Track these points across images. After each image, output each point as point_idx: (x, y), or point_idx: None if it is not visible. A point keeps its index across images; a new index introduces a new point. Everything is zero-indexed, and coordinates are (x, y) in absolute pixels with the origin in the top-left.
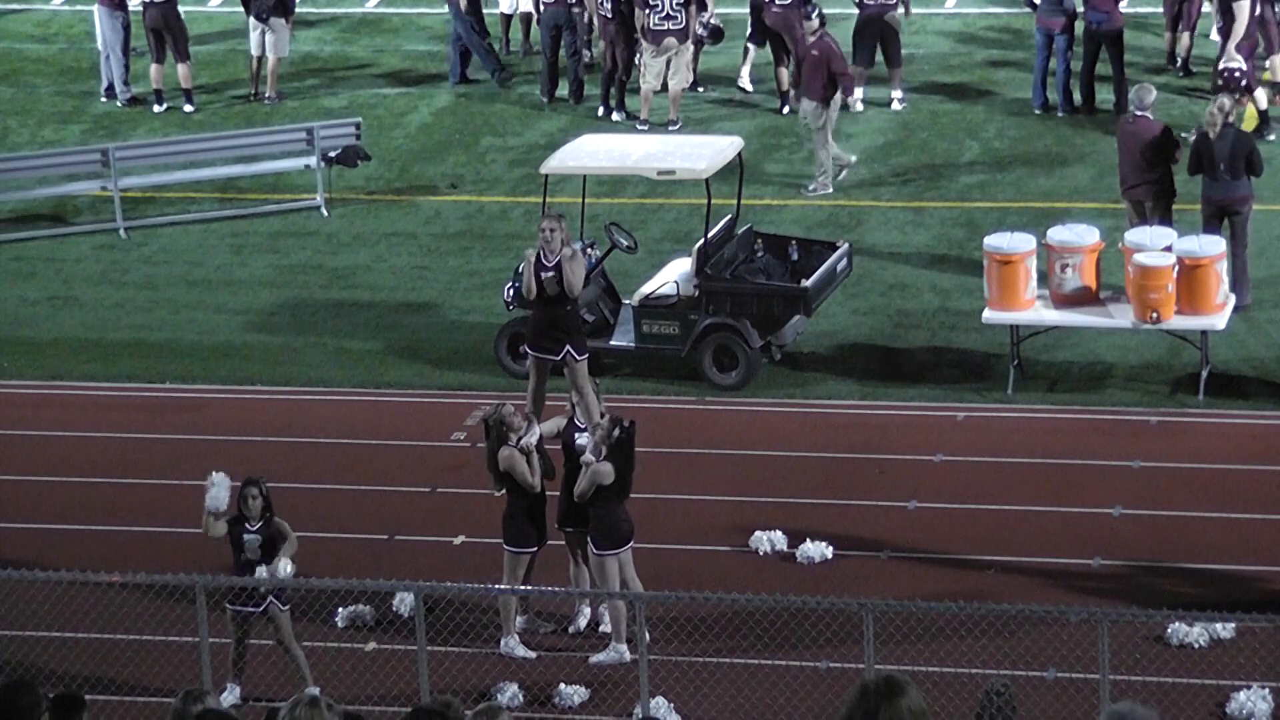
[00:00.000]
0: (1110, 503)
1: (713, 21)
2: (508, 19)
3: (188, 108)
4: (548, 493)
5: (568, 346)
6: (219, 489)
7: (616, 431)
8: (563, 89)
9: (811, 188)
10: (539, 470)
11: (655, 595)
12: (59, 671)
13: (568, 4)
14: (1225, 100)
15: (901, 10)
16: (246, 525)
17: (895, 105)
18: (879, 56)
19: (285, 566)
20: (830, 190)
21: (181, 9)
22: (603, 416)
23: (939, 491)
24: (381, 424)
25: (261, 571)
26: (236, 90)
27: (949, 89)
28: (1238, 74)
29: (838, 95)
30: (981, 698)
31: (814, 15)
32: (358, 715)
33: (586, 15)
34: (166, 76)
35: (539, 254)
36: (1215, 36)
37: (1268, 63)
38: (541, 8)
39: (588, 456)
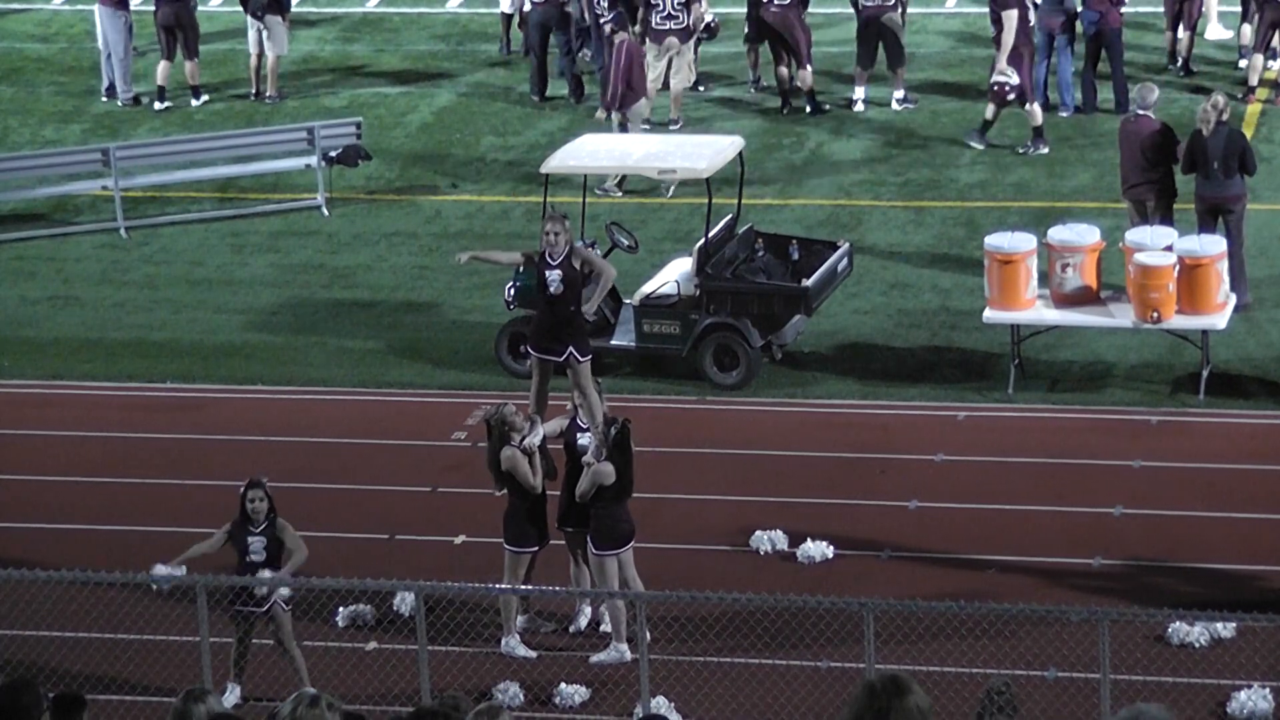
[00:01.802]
0: (1110, 502)
1: (707, 17)
2: (508, 19)
3: (194, 102)
4: (548, 492)
5: (570, 347)
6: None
7: (612, 430)
8: (561, 88)
9: (666, 192)
10: (540, 471)
11: (656, 595)
12: (60, 670)
13: (558, 3)
14: (1219, 98)
15: (900, 11)
16: (250, 528)
17: (895, 105)
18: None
19: (283, 590)
20: (619, 194)
21: None
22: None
23: (939, 491)
24: (382, 424)
25: (265, 573)
26: (237, 90)
27: (949, 88)
28: (1007, 88)
29: (641, 101)
30: (983, 697)
31: (606, 23)
32: (359, 715)
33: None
34: (171, 75)
35: (544, 253)
36: (1210, 35)
37: (1271, 63)
38: (528, 6)
39: (589, 458)
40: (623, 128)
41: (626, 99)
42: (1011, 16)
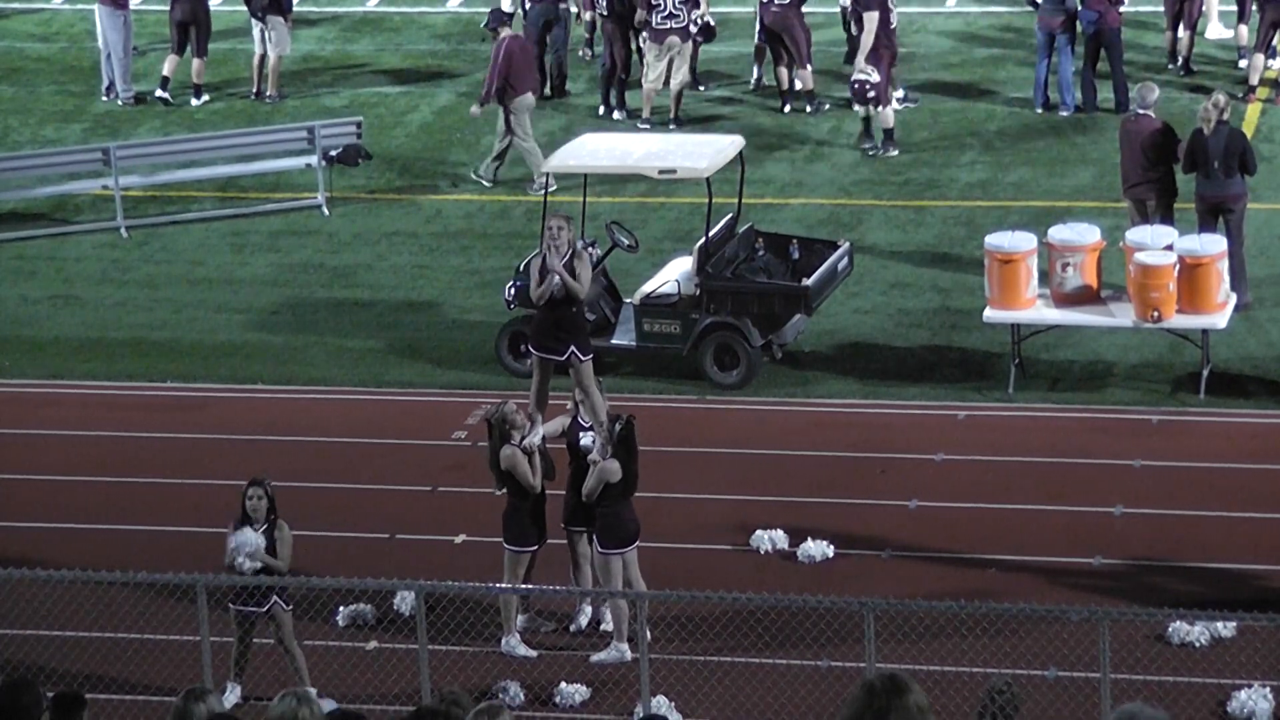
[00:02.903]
0: (1110, 502)
1: (705, 18)
2: (509, 18)
3: (194, 101)
4: (550, 492)
5: (572, 347)
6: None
7: (617, 427)
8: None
9: (534, 187)
10: (540, 470)
11: (656, 594)
12: (60, 670)
13: (555, 0)
14: (1220, 97)
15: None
16: (250, 527)
17: (895, 104)
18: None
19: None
20: (489, 181)
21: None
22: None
23: (940, 490)
24: (382, 423)
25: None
26: (238, 89)
27: (950, 88)
28: (867, 86)
29: (526, 96)
30: (984, 696)
31: (488, 23)
32: (359, 715)
33: (590, 15)
34: (177, 70)
35: (544, 254)
36: (1210, 35)
37: (1271, 62)
38: (527, 5)
39: (594, 455)
40: (506, 123)
41: (505, 94)
42: (872, 18)
